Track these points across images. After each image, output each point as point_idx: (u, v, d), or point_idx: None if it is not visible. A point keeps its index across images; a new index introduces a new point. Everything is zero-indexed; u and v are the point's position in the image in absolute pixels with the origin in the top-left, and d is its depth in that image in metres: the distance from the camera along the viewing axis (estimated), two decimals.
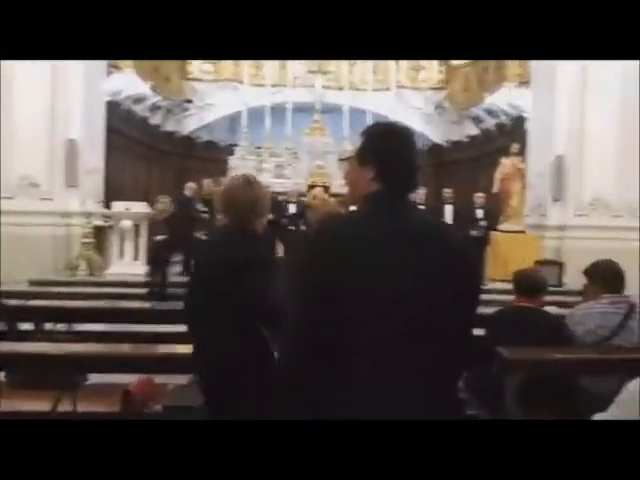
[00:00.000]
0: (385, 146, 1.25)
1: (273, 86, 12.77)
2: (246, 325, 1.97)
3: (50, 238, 7.46)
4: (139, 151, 11.71)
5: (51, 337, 3.69)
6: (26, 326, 3.84)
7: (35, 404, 3.26)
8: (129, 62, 10.71)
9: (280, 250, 9.08)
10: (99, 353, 3.30)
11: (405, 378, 1.14)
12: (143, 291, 6.03)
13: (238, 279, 1.91)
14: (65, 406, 3.06)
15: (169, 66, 12.76)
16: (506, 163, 8.18)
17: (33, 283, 6.46)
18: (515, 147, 8.26)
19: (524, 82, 9.43)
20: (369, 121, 11.90)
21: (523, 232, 8.19)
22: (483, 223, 8.36)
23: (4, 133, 7.42)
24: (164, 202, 7.15)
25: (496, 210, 8.50)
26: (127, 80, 10.93)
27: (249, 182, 2.16)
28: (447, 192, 8.64)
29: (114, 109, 10.19)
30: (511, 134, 10.06)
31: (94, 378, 3.50)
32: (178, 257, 8.65)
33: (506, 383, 2.64)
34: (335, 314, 1.14)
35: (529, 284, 2.91)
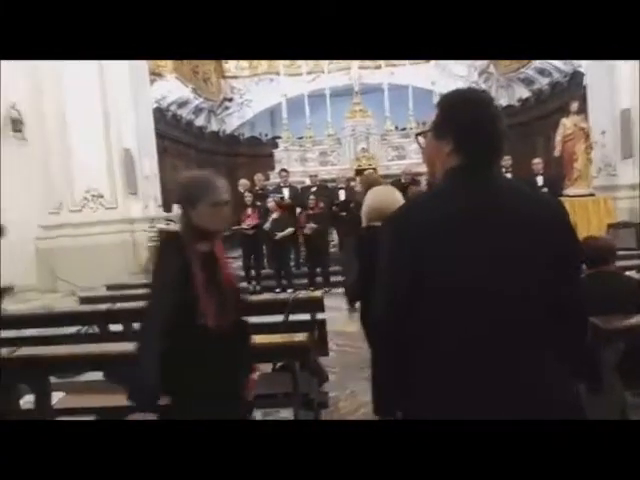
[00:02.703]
0: (460, 115, 1.15)
1: (309, 74, 12.73)
2: None
3: (118, 244, 7.78)
4: (188, 153, 12.00)
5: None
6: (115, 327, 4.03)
7: None
8: (169, 67, 10.96)
9: (335, 238, 9.08)
10: None
11: (501, 364, 1.05)
12: None
13: None
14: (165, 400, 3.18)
15: (207, 67, 12.96)
16: (567, 123, 7.69)
17: (110, 287, 6.75)
18: (575, 105, 7.74)
19: None
20: (411, 96, 11.69)
21: (592, 195, 7.69)
22: (545, 190, 8.01)
23: (63, 151, 7.80)
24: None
25: (558, 175, 8.07)
26: (169, 86, 11.21)
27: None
28: (506, 159, 8.32)
29: (161, 115, 10.46)
30: (567, 92, 9.56)
31: None
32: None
33: (603, 357, 2.39)
34: (423, 293, 1.08)
35: (593, 255, 2.69)
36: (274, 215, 7.65)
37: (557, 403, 1.06)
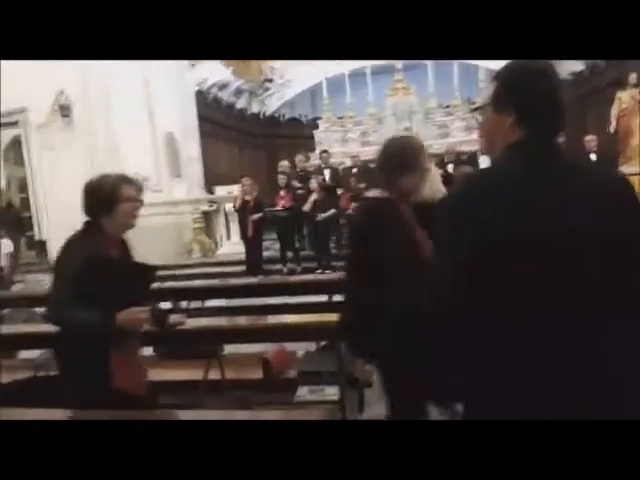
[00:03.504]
0: (523, 85, 1.12)
1: None
2: None
3: (164, 226, 7.97)
4: (230, 136, 12.10)
5: (188, 313, 3.94)
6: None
7: (185, 374, 3.51)
8: None
9: None
10: (236, 326, 3.46)
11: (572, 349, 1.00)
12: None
13: None
14: (213, 374, 3.25)
15: None
16: (623, 97, 7.28)
17: (158, 268, 6.93)
18: (633, 77, 7.31)
19: None
20: (456, 72, 11.33)
21: None
22: None
23: (111, 137, 8.00)
24: (248, 184, 7.31)
25: (612, 153, 7.70)
26: (210, 68, 11.29)
27: None
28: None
29: (202, 98, 10.57)
30: (623, 63, 9.02)
31: (229, 348, 3.70)
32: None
33: None
34: (489, 275, 1.02)
35: None
36: (315, 196, 7.61)
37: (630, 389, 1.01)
